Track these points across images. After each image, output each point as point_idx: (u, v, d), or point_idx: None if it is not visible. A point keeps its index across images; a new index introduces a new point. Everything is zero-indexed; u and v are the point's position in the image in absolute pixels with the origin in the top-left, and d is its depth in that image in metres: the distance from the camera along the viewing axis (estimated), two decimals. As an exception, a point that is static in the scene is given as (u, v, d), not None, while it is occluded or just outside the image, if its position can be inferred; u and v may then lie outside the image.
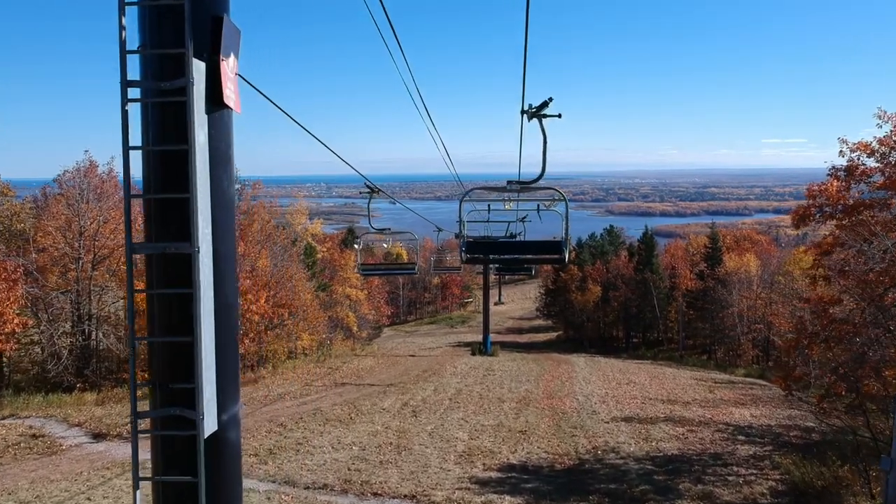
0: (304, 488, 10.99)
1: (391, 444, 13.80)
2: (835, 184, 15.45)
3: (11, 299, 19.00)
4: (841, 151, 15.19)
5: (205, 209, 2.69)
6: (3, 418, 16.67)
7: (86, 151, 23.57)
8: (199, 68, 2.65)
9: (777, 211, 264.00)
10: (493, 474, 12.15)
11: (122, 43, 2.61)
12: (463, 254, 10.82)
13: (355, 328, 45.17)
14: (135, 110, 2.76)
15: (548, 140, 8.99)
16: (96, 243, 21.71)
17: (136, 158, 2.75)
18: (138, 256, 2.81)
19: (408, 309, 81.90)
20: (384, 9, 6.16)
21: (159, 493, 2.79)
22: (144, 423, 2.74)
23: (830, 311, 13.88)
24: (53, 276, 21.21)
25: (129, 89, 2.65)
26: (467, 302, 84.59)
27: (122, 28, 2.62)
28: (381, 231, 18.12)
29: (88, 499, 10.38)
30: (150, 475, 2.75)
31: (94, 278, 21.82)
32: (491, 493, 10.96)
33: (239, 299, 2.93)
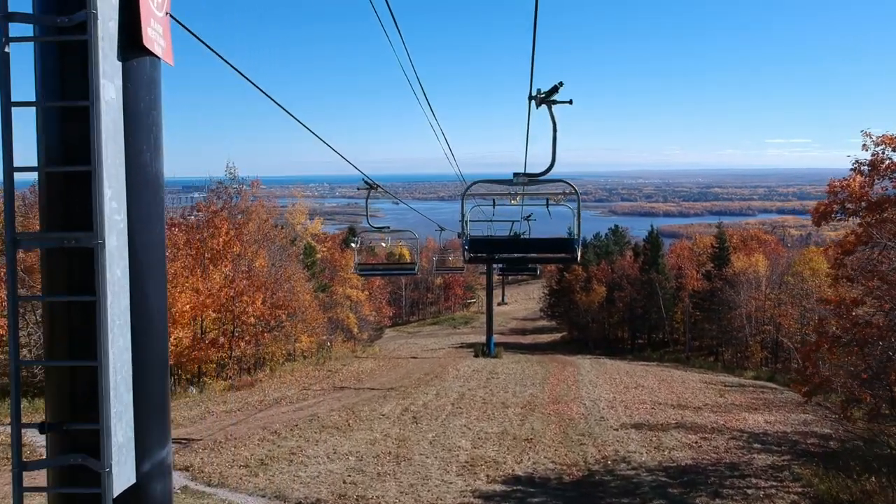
0: (296, 503, 10.31)
1: (390, 453, 13.10)
2: (858, 179, 14.67)
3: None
4: (864, 145, 14.40)
5: (115, 188, 1.99)
6: (-14, 425, 16.00)
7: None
8: None
9: (781, 211, 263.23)
10: (498, 487, 11.44)
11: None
12: (466, 252, 10.10)
13: (356, 330, 44.46)
14: (25, 54, 2.08)
15: (558, 129, 8.33)
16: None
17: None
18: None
19: (410, 309, 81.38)
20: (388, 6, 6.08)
21: None
22: (36, 477, 2.05)
23: (853, 314, 13.13)
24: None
25: (12, 24, 1.95)
26: (470, 302, 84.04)
27: None
28: (379, 230, 17.46)
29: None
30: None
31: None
32: (495, 509, 10.26)
33: (166, 304, 2.10)
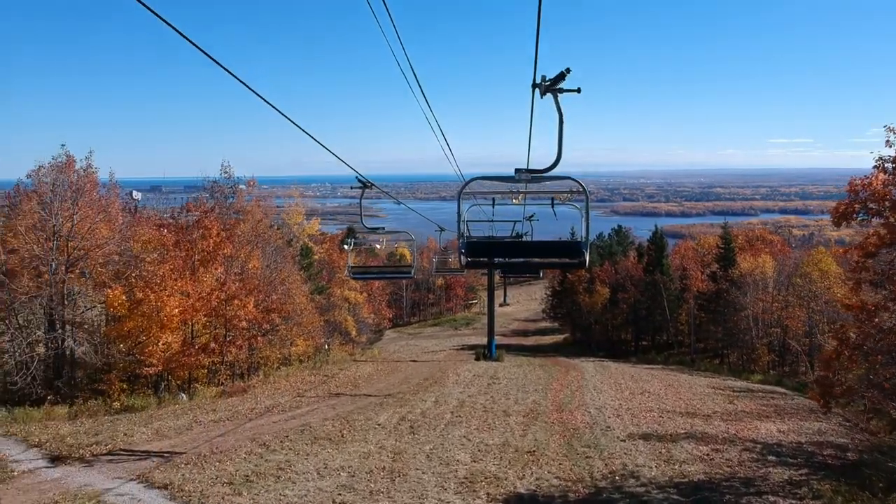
0: (281, 527, 9.55)
1: (384, 468, 12.33)
2: (881, 177, 13.83)
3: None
4: (888, 141, 13.56)
5: None
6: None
7: (62, 146, 22.14)
8: None
9: (783, 211, 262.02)
10: (499, 506, 10.67)
11: None
12: (463, 256, 9.28)
13: (354, 332, 43.60)
14: None
15: (565, 120, 7.53)
16: (70, 244, 20.18)
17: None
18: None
19: (411, 310, 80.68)
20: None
21: None
22: None
23: (876, 320, 12.33)
24: (25, 280, 19.73)
25: None
26: (472, 303, 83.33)
27: None
28: (374, 230, 16.66)
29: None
30: None
31: (67, 281, 20.32)
32: (496, 532, 9.48)
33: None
